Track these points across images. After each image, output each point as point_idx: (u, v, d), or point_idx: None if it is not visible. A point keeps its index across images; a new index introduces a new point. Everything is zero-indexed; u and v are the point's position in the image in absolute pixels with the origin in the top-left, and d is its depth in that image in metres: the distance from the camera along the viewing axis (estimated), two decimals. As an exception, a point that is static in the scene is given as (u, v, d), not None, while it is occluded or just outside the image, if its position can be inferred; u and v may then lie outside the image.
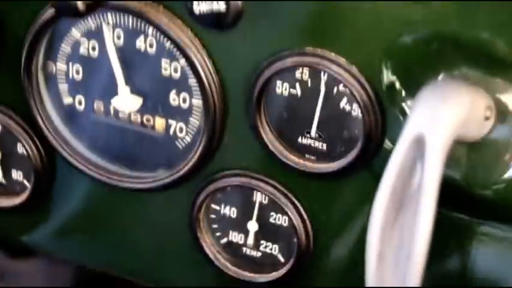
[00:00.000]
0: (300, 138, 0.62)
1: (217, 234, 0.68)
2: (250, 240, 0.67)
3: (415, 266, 0.50)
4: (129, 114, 0.65)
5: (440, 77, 0.57)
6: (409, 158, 0.51)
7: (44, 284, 0.98)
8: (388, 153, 0.53)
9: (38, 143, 0.68)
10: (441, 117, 0.51)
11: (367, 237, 0.51)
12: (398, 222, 0.52)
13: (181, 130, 0.65)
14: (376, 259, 0.52)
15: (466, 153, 0.57)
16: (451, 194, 0.57)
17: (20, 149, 0.69)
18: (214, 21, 0.58)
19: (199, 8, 0.57)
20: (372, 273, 0.52)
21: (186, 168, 0.64)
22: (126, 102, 0.64)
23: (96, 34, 0.63)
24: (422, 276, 0.49)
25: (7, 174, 0.71)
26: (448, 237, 0.60)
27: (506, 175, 0.56)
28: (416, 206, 0.50)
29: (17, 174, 0.71)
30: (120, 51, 0.63)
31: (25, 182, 0.71)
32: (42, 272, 1.09)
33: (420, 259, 0.49)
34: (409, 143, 0.51)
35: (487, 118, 0.55)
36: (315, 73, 0.59)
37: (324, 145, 0.61)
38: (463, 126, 0.52)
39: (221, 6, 0.57)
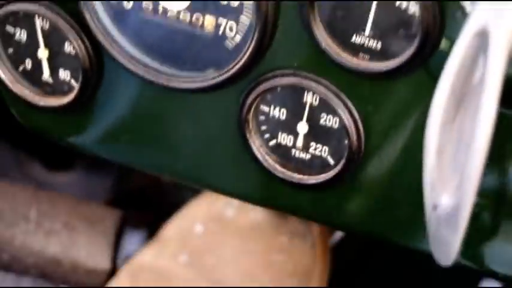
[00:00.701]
0: (354, 36, 0.61)
1: (266, 135, 0.67)
2: (300, 142, 0.66)
3: (474, 162, 0.49)
4: (178, 13, 0.64)
5: None
6: (472, 52, 0.50)
7: (80, 197, 1.01)
8: (445, 53, 0.53)
9: (86, 41, 0.68)
10: (507, 8, 0.49)
11: (426, 132, 0.51)
12: (459, 117, 0.51)
13: (231, 29, 0.64)
14: (435, 155, 0.52)
15: None
16: None
17: (68, 47, 0.69)
18: None
19: None
20: (430, 168, 0.53)
21: (235, 68, 0.63)
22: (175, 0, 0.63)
23: None
24: (481, 174, 0.49)
25: (55, 73, 0.71)
26: (508, 138, 0.60)
27: None
28: (478, 101, 0.49)
29: (64, 74, 0.71)
30: None
31: (72, 81, 0.71)
32: (79, 185, 1.12)
33: (480, 155, 0.48)
34: (473, 35, 0.50)
35: None
36: None
37: (379, 43, 0.60)
38: None
39: None
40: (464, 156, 0.50)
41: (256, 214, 0.78)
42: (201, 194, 0.85)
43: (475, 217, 0.56)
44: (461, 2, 0.57)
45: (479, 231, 0.64)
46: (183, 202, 0.92)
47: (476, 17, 0.51)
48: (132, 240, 0.95)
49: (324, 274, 0.79)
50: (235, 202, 0.80)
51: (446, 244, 0.53)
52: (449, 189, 0.52)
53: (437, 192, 0.53)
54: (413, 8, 0.58)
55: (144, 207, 1.07)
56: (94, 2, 0.66)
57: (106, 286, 0.89)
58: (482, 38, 0.50)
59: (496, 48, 0.49)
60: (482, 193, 0.61)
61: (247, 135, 0.67)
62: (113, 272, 0.94)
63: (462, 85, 0.51)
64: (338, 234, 0.91)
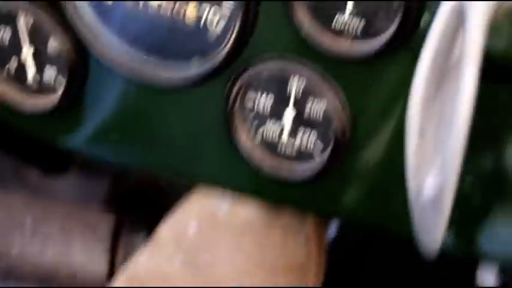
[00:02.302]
0: (336, 16, 0.61)
1: (254, 124, 0.68)
2: (287, 130, 0.67)
3: (456, 141, 0.49)
4: (159, 3, 0.65)
5: None
6: (450, 29, 0.51)
7: (77, 201, 1.02)
8: (428, 29, 0.52)
9: (70, 37, 0.68)
10: None
11: (407, 113, 0.51)
12: (440, 96, 0.52)
13: (214, 17, 0.64)
14: (417, 135, 0.52)
15: (507, 22, 0.56)
16: (494, 67, 0.56)
17: (52, 45, 0.70)
18: None
19: None
20: (412, 150, 0.53)
21: (220, 56, 0.64)
22: None
23: None
24: (464, 153, 0.49)
25: (40, 73, 0.72)
26: (491, 112, 0.60)
27: None
28: (458, 77, 0.49)
29: (50, 72, 0.72)
30: None
31: (59, 78, 0.72)
32: (75, 188, 1.13)
33: (462, 133, 0.48)
34: (450, 11, 0.50)
35: None
36: None
37: (361, 22, 0.60)
38: None
39: None
40: (446, 136, 0.50)
41: (249, 211, 0.79)
42: (193, 191, 0.85)
43: (463, 199, 0.56)
44: None
45: (468, 215, 0.64)
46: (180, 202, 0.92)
47: None
48: (129, 243, 0.96)
49: (319, 269, 0.78)
50: (228, 199, 0.80)
51: (432, 228, 0.53)
52: (433, 170, 0.52)
53: (420, 174, 0.53)
54: None
55: (142, 208, 1.08)
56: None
57: (104, 290, 0.89)
58: (460, 14, 0.51)
59: (473, 23, 0.49)
60: (471, 172, 0.61)
61: (234, 128, 0.67)
62: (110, 276, 0.94)
63: (442, 63, 0.52)
64: (334, 229, 0.92)
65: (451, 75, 0.52)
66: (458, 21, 0.51)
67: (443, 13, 0.51)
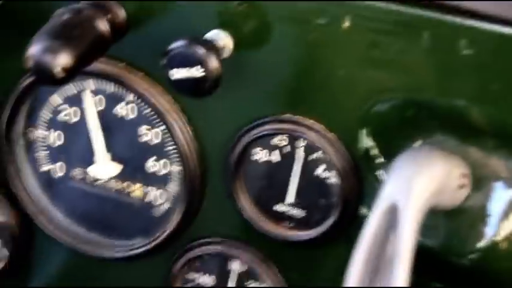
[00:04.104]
0: (276, 205, 0.64)
1: None
2: (227, 311, 0.68)
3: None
4: (107, 181, 0.68)
5: (417, 144, 0.59)
6: (383, 228, 0.53)
7: None
8: (365, 220, 0.55)
9: (15, 210, 0.71)
10: (414, 187, 0.53)
11: None
12: None
13: (159, 197, 0.67)
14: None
15: (442, 221, 0.59)
16: (428, 263, 0.59)
17: (-3, 216, 0.72)
18: (192, 88, 0.59)
19: (177, 74, 0.59)
20: None
21: (163, 236, 0.66)
22: (106, 169, 0.67)
23: (76, 100, 0.67)
24: None
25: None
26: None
27: (482, 244, 0.58)
28: (390, 276, 0.51)
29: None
30: (100, 117, 0.66)
31: (4, 250, 0.73)
32: None
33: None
34: (383, 212, 0.53)
35: (462, 186, 0.57)
36: (293, 140, 0.62)
37: (302, 212, 0.64)
38: (438, 195, 0.55)
39: (198, 74, 0.59)
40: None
41: None
42: None
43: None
44: (379, 172, 0.61)
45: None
46: None
47: (386, 194, 0.54)
48: None
49: None
50: None
51: None
52: None
53: None
54: (335, 178, 0.62)
55: None
56: (24, 170, 0.69)
57: None
58: (393, 214, 0.53)
59: (405, 225, 0.52)
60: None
61: None
62: None
63: (376, 259, 0.53)
64: None
65: (384, 272, 0.53)
66: (392, 220, 0.53)
67: (377, 211, 0.53)
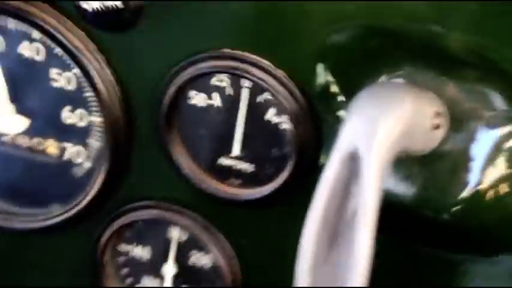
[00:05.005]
0: (220, 158, 0.58)
1: (128, 281, 0.64)
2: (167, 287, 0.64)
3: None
4: (14, 137, 0.61)
5: (382, 78, 0.54)
6: (342, 179, 0.48)
7: None
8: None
9: None
10: (378, 129, 0.47)
11: (295, 274, 0.47)
12: (332, 255, 0.48)
13: (78, 155, 0.61)
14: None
15: (416, 169, 0.54)
16: (401, 220, 0.54)
17: None
18: (108, 21, 0.53)
19: (86, 5, 0.53)
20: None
21: (85, 201, 0.60)
22: (10, 123, 0.60)
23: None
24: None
25: None
26: (395, 269, 0.57)
27: (463, 194, 0.53)
28: (353, 237, 0.46)
29: None
30: (1, 60, 0.58)
31: None
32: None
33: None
34: (341, 160, 0.47)
35: (437, 127, 0.51)
36: (235, 80, 0.56)
37: (250, 166, 0.58)
38: (407, 137, 0.49)
39: (116, 2, 0.53)
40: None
41: None
42: None
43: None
44: (340, 113, 0.55)
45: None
46: None
47: (344, 138, 0.48)
48: None
49: None
50: None
51: None
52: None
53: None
54: (287, 123, 0.56)
55: None
56: None
57: None
58: (354, 162, 0.47)
59: (368, 174, 0.47)
60: None
61: (103, 281, 0.63)
62: None
63: (335, 216, 0.48)
64: None
65: (345, 231, 0.47)
66: (353, 169, 0.47)
67: (335, 159, 0.47)
